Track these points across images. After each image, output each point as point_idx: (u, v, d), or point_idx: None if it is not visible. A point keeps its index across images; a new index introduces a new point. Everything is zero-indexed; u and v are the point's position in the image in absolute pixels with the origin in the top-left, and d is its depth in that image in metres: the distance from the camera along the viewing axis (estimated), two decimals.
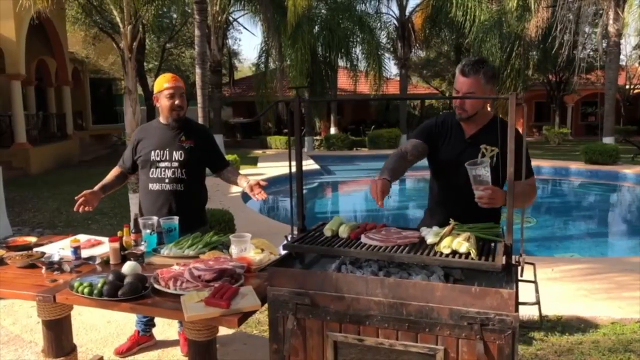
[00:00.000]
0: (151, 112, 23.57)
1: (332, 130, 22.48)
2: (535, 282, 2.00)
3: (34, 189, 10.88)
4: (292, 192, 2.22)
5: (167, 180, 3.14)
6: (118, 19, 7.92)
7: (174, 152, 3.13)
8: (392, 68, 29.74)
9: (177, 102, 3.10)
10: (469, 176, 2.20)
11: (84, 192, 2.95)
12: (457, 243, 1.86)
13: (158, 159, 3.14)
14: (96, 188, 3.10)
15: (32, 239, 3.06)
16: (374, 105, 29.12)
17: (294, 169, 2.18)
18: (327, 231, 2.16)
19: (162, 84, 3.12)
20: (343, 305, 1.84)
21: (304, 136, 20.36)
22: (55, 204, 9.17)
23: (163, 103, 3.13)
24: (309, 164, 14.39)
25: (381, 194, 2.08)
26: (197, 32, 13.73)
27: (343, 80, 23.61)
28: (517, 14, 16.58)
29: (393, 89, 24.32)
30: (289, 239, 2.15)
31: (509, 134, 1.79)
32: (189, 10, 19.04)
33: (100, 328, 3.79)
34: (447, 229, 1.98)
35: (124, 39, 7.74)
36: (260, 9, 17.21)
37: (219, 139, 16.50)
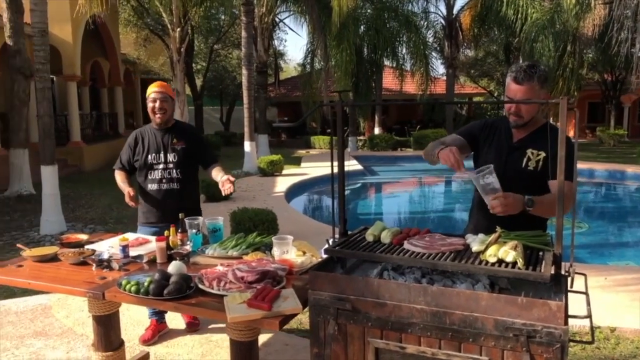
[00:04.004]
0: (199, 112, 24.13)
1: (377, 131, 22.32)
2: (586, 293, 1.92)
3: (87, 186, 11.30)
4: (334, 195, 2.21)
5: (164, 181, 3.45)
6: (167, 22, 8.14)
7: (168, 155, 3.45)
8: (439, 67, 29.33)
9: (157, 105, 3.38)
10: (477, 188, 2.14)
11: (132, 191, 3.29)
12: (503, 252, 1.81)
13: (155, 162, 3.43)
14: (129, 186, 3.41)
15: (84, 237, 3.18)
16: (420, 105, 28.75)
17: (334, 173, 2.18)
18: (369, 236, 2.14)
19: (150, 89, 3.41)
20: (385, 312, 1.82)
21: (347, 137, 20.32)
22: (107, 200, 9.50)
23: (148, 106, 3.42)
24: (352, 165, 14.35)
25: (459, 157, 2.11)
26: (243, 34, 13.95)
27: (388, 80, 23.44)
28: (576, 10, 15.95)
29: (440, 88, 23.94)
30: (331, 242, 2.14)
31: (560, 139, 1.72)
32: (237, 12, 19.34)
33: (147, 324, 3.88)
34: (493, 236, 1.93)
35: (172, 41, 7.97)
36: (306, 9, 17.29)
37: (263, 139, 16.70)
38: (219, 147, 18.81)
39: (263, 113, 18.07)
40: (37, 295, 4.48)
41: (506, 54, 22.63)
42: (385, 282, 1.86)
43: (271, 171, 12.53)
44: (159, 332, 3.76)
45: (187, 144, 3.51)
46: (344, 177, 2.19)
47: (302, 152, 20.54)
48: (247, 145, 14.00)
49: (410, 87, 21.48)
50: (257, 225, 5.67)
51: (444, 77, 22.54)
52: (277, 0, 18.63)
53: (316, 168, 13.88)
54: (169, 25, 7.79)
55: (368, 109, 22.43)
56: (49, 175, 7.06)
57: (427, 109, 28.64)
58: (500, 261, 1.81)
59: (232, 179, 3.25)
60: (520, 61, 18.21)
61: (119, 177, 3.53)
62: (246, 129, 14.02)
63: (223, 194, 3.26)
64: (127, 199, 3.29)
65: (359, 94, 19.72)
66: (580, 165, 13.62)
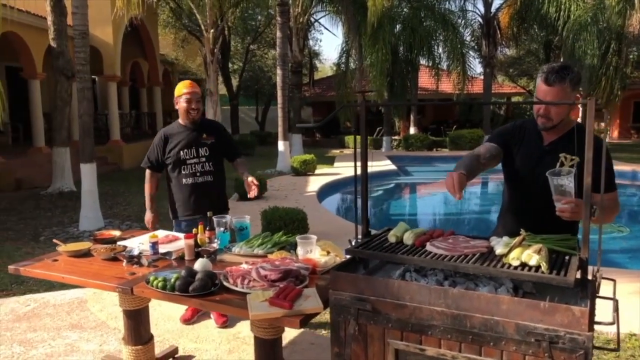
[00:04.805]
0: (235, 112, 24.46)
1: (412, 130, 22.11)
2: (614, 299, 1.86)
3: (125, 184, 11.59)
4: (357, 196, 2.21)
5: (198, 174, 3.64)
6: (201, 23, 8.28)
7: (200, 149, 3.63)
8: (476, 66, 28.82)
9: (192, 105, 3.57)
10: (550, 186, 2.06)
11: (151, 219, 3.81)
12: (526, 255, 1.77)
13: (187, 157, 3.60)
14: (152, 210, 3.82)
15: (117, 233, 3.28)
16: (457, 105, 28.33)
17: (358, 173, 2.18)
18: (392, 237, 2.13)
19: (182, 89, 3.57)
20: (405, 314, 1.81)
21: (381, 137, 20.21)
22: (143, 198, 9.64)
23: (181, 106, 3.58)
24: (385, 165, 14.25)
25: (458, 186, 2.01)
26: (278, 34, 14.06)
27: (424, 79, 23.16)
28: (619, 8, 15.41)
29: (477, 88, 23.47)
30: (353, 243, 2.14)
31: (587, 141, 1.67)
32: (273, 12, 19.51)
33: (177, 319, 3.97)
34: (517, 239, 1.89)
35: (206, 43, 8.10)
36: (342, 9, 17.29)
37: (297, 138, 16.78)
38: (253, 147, 19.02)
39: (297, 113, 18.14)
40: (74, 289, 4.64)
41: (546, 52, 22.07)
42: (406, 283, 1.85)
43: (304, 170, 12.59)
44: (197, 312, 3.93)
45: (215, 139, 3.69)
46: (368, 178, 2.18)
47: (335, 151, 20.54)
48: (281, 145, 14.11)
49: (447, 86, 21.19)
50: (288, 225, 5.70)
51: (482, 77, 22.15)
52: (312, 1, 18.69)
53: (349, 168, 13.83)
54: (202, 27, 7.92)
55: (403, 108, 22.24)
56: (88, 172, 7.28)
57: (463, 109, 28.20)
58: (523, 265, 1.78)
59: (255, 182, 3.43)
60: (561, 60, 17.74)
61: (148, 185, 3.82)
62: (280, 129, 14.13)
63: (249, 196, 3.44)
64: (146, 222, 3.75)
65: (394, 94, 19.58)
66: (624, 167, 13.16)
